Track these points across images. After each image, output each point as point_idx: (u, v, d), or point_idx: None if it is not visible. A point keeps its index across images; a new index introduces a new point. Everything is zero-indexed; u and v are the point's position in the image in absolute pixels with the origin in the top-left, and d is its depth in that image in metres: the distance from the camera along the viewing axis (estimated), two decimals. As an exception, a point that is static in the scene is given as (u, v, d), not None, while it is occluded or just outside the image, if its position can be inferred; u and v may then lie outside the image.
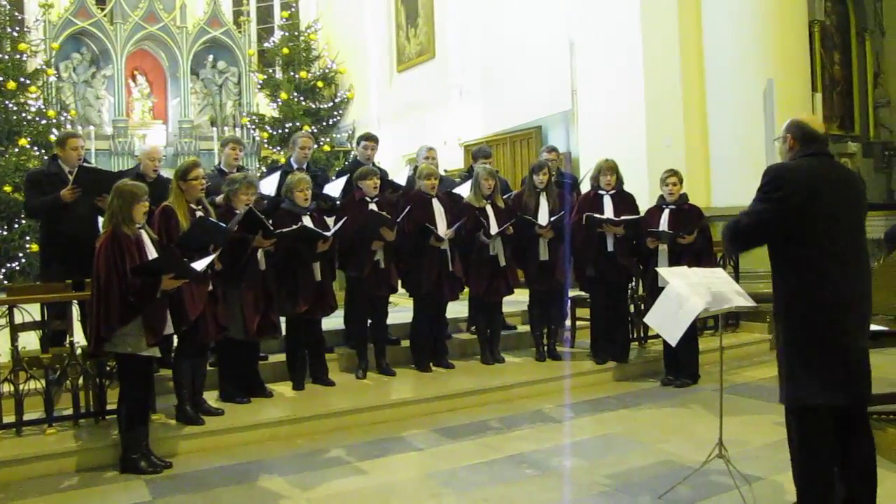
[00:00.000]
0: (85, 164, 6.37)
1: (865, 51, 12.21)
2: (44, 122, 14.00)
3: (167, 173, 6.73)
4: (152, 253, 5.05)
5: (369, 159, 7.90)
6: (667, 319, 4.46)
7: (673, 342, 4.53)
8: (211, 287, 5.62)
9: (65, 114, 15.33)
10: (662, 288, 4.74)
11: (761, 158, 9.37)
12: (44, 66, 14.92)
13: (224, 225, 5.67)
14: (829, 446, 3.63)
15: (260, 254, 6.19)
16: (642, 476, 4.85)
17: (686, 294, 4.34)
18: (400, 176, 8.15)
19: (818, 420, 3.59)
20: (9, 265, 12.63)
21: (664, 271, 4.88)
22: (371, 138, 8.00)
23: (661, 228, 7.05)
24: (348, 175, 7.36)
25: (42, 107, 14.32)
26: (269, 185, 7.11)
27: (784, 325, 3.68)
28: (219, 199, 6.28)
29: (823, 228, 3.57)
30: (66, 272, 5.94)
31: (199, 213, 5.67)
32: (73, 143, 6.48)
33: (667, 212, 7.13)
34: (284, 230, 6.26)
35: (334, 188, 7.31)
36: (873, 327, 4.21)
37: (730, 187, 9.70)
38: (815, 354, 3.56)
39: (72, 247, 6.15)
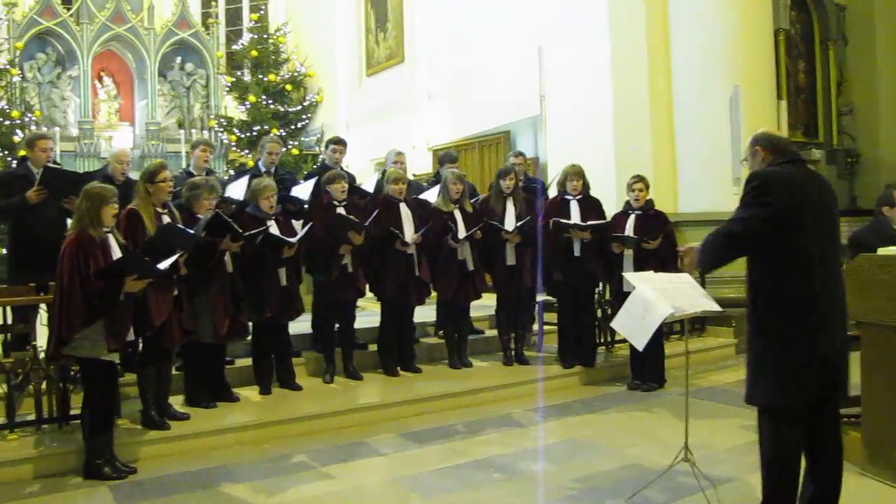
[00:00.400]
0: (50, 165, 6.28)
1: (829, 59, 12.38)
2: (7, 122, 13.82)
3: (134, 176, 6.65)
4: (118, 256, 4.99)
5: (338, 163, 7.90)
6: (633, 324, 4.49)
7: (640, 347, 4.56)
8: (176, 292, 5.56)
9: (29, 115, 15.11)
10: (628, 293, 4.76)
11: (728, 165, 9.49)
12: (7, 66, 14.72)
13: (191, 231, 5.62)
14: (800, 447, 3.67)
15: (227, 256, 6.15)
16: (609, 480, 4.88)
17: (652, 299, 4.38)
18: (369, 182, 8.14)
19: (792, 421, 3.63)
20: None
21: (630, 276, 4.91)
22: (339, 142, 8.01)
23: (627, 233, 7.10)
24: (316, 178, 7.34)
25: (6, 107, 14.12)
26: (237, 190, 7.07)
27: (760, 327, 3.71)
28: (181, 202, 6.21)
29: (806, 232, 3.61)
30: (33, 275, 5.85)
31: (164, 217, 5.62)
32: (43, 145, 6.40)
33: (633, 217, 7.19)
34: (253, 232, 6.21)
35: (302, 191, 7.30)
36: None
37: (697, 193, 9.80)
38: (794, 356, 3.59)
39: (39, 249, 6.05)
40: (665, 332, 7.77)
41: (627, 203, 7.29)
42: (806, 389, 3.58)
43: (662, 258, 6.99)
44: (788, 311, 3.60)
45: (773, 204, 3.59)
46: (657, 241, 7.01)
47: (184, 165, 7.45)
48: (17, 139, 13.41)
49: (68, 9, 16.51)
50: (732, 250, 3.85)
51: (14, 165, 9.04)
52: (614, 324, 4.96)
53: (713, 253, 3.90)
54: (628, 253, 7.14)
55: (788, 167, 3.75)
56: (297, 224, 6.79)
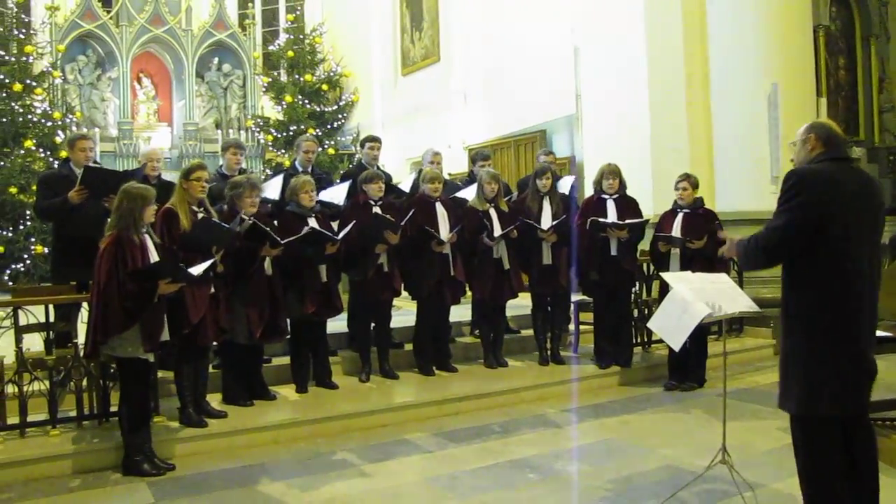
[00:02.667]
0: (90, 165, 6.36)
1: (870, 55, 12.18)
2: (49, 124, 14.06)
3: (171, 176, 6.74)
4: (155, 257, 5.04)
5: (375, 160, 7.92)
6: (670, 324, 4.45)
7: (676, 347, 4.53)
8: (213, 290, 5.62)
9: (70, 116, 15.37)
10: (672, 289, 4.71)
11: (766, 163, 9.39)
12: (50, 69, 14.98)
13: (227, 225, 5.67)
14: (836, 454, 3.60)
15: (266, 260, 6.19)
16: (645, 481, 4.84)
17: (690, 299, 4.33)
18: (405, 182, 8.15)
19: (825, 428, 3.56)
20: (14, 266, 12.68)
21: (668, 276, 4.87)
22: (375, 140, 8.03)
23: (674, 232, 7.04)
24: (351, 180, 7.35)
25: (48, 109, 14.37)
26: (272, 190, 7.11)
27: (795, 334, 3.62)
28: (225, 206, 6.25)
29: (842, 236, 3.49)
30: (75, 273, 5.94)
31: (200, 214, 5.67)
32: (82, 145, 6.50)
33: (680, 216, 7.13)
34: (292, 238, 6.23)
35: (335, 194, 7.28)
36: (878, 333, 4.20)
37: (734, 192, 9.69)
38: (830, 365, 3.50)
39: (81, 248, 6.13)
40: (705, 330, 7.69)
41: (675, 202, 7.23)
42: (840, 399, 3.50)
43: (710, 257, 6.90)
44: (821, 319, 3.52)
45: (807, 205, 3.48)
46: (702, 241, 6.91)
47: (221, 163, 7.50)
48: (58, 140, 13.64)
49: (108, 11, 16.79)
50: (770, 260, 3.76)
51: (57, 166, 9.21)
52: (651, 323, 4.92)
53: (750, 261, 3.82)
54: (675, 252, 7.08)
55: (830, 165, 3.62)
56: (334, 225, 6.80)
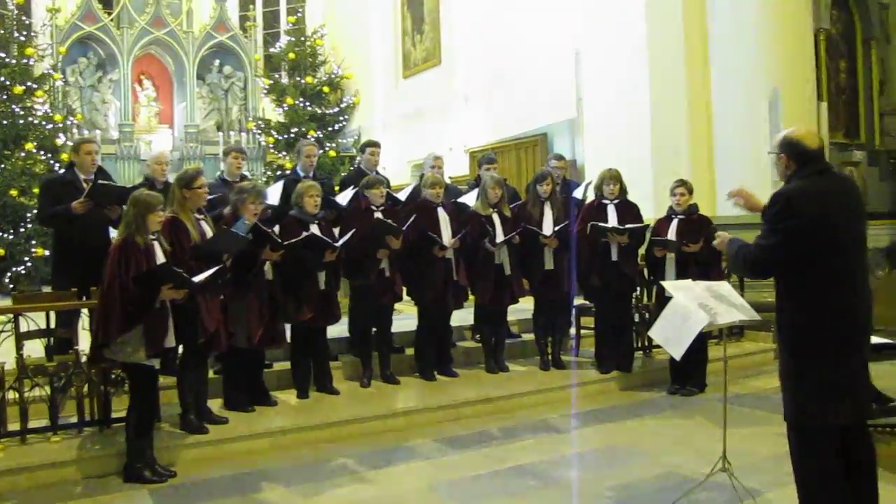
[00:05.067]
0: (101, 182, 6.34)
1: (871, 59, 12.16)
2: (50, 126, 14.03)
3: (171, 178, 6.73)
4: (162, 262, 5.06)
5: (375, 165, 7.92)
6: (671, 333, 4.45)
7: (677, 356, 4.54)
8: (221, 297, 5.64)
9: (71, 118, 15.37)
10: (671, 297, 4.71)
11: (767, 168, 9.32)
12: (51, 71, 14.95)
13: (243, 235, 5.70)
14: (833, 462, 3.60)
15: (267, 265, 6.20)
16: (646, 489, 4.85)
17: (690, 308, 4.34)
18: (406, 190, 8.14)
19: (822, 436, 3.57)
20: (14, 269, 12.67)
21: (668, 285, 4.88)
22: (375, 144, 8.04)
23: (669, 238, 7.05)
24: (354, 187, 7.35)
25: (48, 111, 14.34)
26: (272, 195, 7.12)
27: (791, 345, 3.64)
28: (226, 210, 6.26)
29: (834, 249, 3.52)
30: (75, 280, 5.95)
31: (203, 223, 5.69)
32: (87, 148, 6.50)
33: (675, 221, 7.14)
34: (293, 241, 6.25)
35: (341, 199, 7.31)
36: (877, 340, 4.20)
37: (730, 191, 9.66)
38: (827, 374, 3.51)
39: (81, 255, 6.16)
40: (705, 335, 7.69)
41: (671, 207, 7.24)
42: (838, 408, 3.51)
43: (706, 263, 6.93)
44: (817, 329, 3.53)
45: (797, 229, 3.48)
46: (698, 245, 6.93)
47: (222, 167, 7.51)
48: (59, 142, 13.64)
49: (109, 13, 16.78)
50: (756, 274, 3.79)
51: (60, 170, 9.20)
52: (652, 332, 4.92)
53: (737, 269, 3.86)
54: (670, 257, 7.09)
55: (814, 180, 3.60)
56: (335, 231, 6.81)
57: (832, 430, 3.57)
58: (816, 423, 3.55)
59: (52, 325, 5.74)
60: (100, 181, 6.33)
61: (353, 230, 6.61)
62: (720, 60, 9.96)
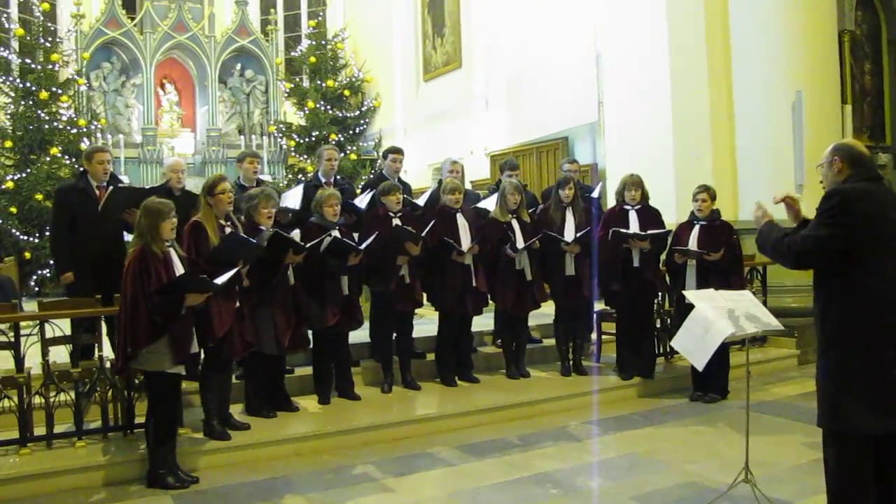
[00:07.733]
0: (120, 186, 6.39)
1: (897, 60, 12.06)
2: (74, 131, 14.23)
3: (195, 182, 6.77)
4: (180, 270, 5.10)
5: (397, 172, 7.92)
6: (693, 344, 4.44)
7: (700, 367, 4.52)
8: (238, 304, 5.66)
9: (95, 123, 15.52)
10: (691, 304, 4.69)
11: (790, 172, 9.30)
12: (75, 76, 15.13)
13: (254, 241, 5.71)
14: (868, 473, 3.56)
15: (289, 269, 6.23)
16: (667, 498, 4.82)
17: (712, 318, 4.32)
18: (423, 195, 8.16)
19: (860, 446, 3.52)
20: (40, 272, 12.82)
21: (691, 295, 4.85)
22: (398, 151, 8.02)
23: (690, 244, 7.01)
24: (371, 191, 7.38)
25: (73, 116, 14.54)
26: (292, 199, 7.16)
27: (834, 350, 3.58)
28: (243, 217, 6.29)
29: (885, 253, 3.50)
30: (93, 287, 6.00)
31: (227, 229, 5.71)
32: (100, 158, 6.53)
33: (697, 227, 7.09)
34: (315, 242, 6.28)
35: (360, 202, 7.35)
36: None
37: (758, 201, 9.59)
38: (872, 381, 3.47)
39: (99, 262, 6.22)
40: (726, 342, 7.64)
41: (692, 213, 7.20)
42: (881, 416, 3.45)
43: (726, 270, 6.88)
44: (864, 335, 3.49)
45: (850, 225, 3.48)
46: (719, 254, 6.89)
47: (239, 173, 7.54)
48: (83, 147, 13.77)
49: (132, 19, 16.92)
50: (798, 266, 3.75)
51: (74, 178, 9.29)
52: (674, 343, 4.91)
53: (775, 254, 3.80)
54: (691, 263, 7.05)
55: (868, 184, 3.61)
56: (355, 236, 6.83)
57: (871, 440, 3.53)
58: (863, 432, 3.51)
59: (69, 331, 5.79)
60: (119, 186, 6.38)
61: (377, 233, 6.63)
62: (743, 63, 9.88)
